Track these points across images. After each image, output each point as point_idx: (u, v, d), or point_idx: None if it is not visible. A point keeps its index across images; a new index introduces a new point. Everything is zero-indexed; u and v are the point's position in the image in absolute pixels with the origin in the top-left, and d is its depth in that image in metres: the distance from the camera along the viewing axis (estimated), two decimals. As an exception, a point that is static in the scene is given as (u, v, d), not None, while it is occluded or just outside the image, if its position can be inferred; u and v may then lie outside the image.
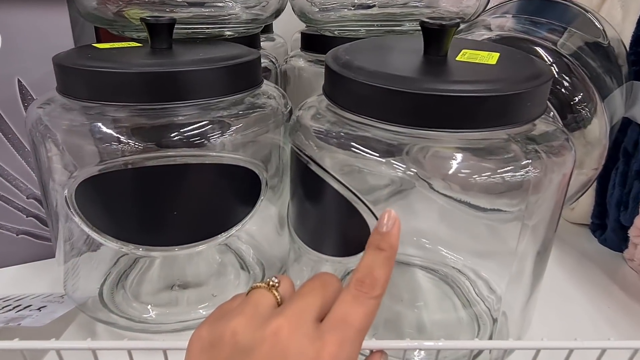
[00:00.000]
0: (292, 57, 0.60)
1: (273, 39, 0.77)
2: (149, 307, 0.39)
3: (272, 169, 0.35)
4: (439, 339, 0.27)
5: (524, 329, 0.34)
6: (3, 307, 0.35)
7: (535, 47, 0.44)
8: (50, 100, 0.33)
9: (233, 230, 0.34)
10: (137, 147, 0.30)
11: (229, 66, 0.31)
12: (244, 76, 0.33)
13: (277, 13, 0.44)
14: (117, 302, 0.39)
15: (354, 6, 0.48)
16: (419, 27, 0.43)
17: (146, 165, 0.31)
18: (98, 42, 0.48)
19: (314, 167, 0.32)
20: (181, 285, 0.41)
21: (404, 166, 0.29)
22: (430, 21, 0.29)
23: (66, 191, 0.31)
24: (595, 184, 0.48)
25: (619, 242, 0.47)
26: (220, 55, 0.32)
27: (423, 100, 0.26)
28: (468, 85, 0.25)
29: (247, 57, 0.33)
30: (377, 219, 0.29)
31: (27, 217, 0.44)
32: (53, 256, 0.46)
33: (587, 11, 0.48)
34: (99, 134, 0.31)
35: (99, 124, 0.31)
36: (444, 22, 0.29)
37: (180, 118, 0.31)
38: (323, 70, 0.57)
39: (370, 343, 0.26)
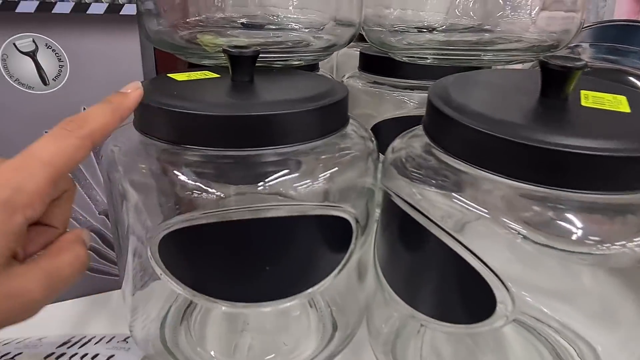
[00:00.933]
0: (349, 77, 0.57)
1: (320, 55, 0.75)
2: (213, 353, 0.36)
3: (362, 214, 0.32)
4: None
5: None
6: (72, 357, 0.32)
7: (631, 78, 0.41)
8: (128, 138, 0.31)
9: (326, 283, 0.31)
10: (221, 198, 0.28)
11: (323, 107, 0.29)
12: (336, 116, 0.31)
13: (351, 39, 0.41)
14: (181, 346, 0.37)
15: (421, 29, 0.46)
16: (503, 59, 0.41)
17: (231, 218, 0.28)
18: (156, 64, 0.46)
19: (411, 212, 0.29)
20: (248, 330, 0.38)
21: (519, 227, 0.26)
22: (552, 62, 0.26)
23: (149, 247, 0.29)
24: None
25: None
26: (311, 93, 0.30)
27: (557, 158, 0.23)
28: (611, 143, 0.23)
29: (339, 94, 0.31)
30: (497, 277, 0.26)
31: (84, 249, 0.42)
32: (108, 290, 0.44)
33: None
34: (180, 182, 0.28)
35: (181, 170, 0.28)
36: (569, 64, 0.26)
37: (266, 165, 0.29)
38: (382, 92, 0.55)
39: None
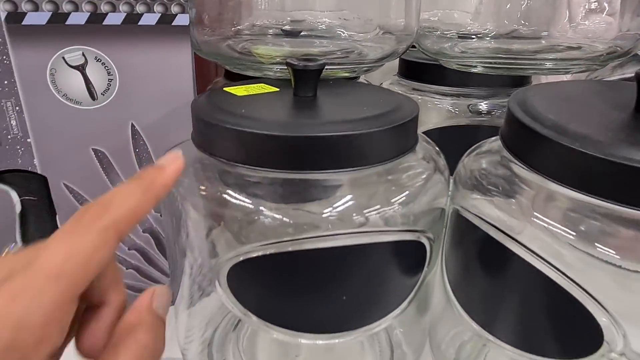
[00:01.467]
0: (389, 84, 0.55)
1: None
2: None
3: (435, 235, 0.30)
4: None
5: None
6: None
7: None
8: (189, 157, 0.29)
9: (400, 309, 0.29)
10: (287, 224, 0.26)
11: (397, 126, 0.27)
12: (408, 135, 0.29)
13: (408, 48, 0.39)
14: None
15: (470, 35, 0.44)
16: (564, 68, 0.39)
17: (301, 247, 0.26)
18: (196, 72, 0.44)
19: (492, 232, 0.27)
20: (301, 355, 0.36)
21: (610, 252, 0.24)
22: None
23: (217, 277, 0.27)
24: None
25: None
26: (381, 110, 0.28)
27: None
28: None
29: (410, 110, 0.29)
30: (601, 305, 0.24)
31: (127, 269, 0.40)
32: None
33: None
34: (242, 206, 0.26)
35: (245, 193, 0.27)
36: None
37: (338, 190, 0.27)
38: (425, 100, 0.53)
39: None
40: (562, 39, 0.40)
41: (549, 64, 0.39)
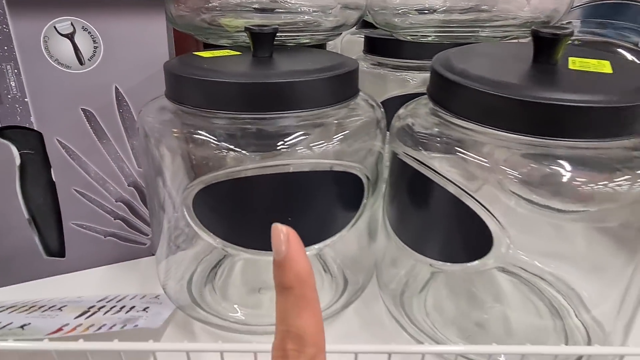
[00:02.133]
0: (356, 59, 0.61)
1: (324, 41, 0.78)
2: (237, 306, 0.40)
3: (372, 173, 0.35)
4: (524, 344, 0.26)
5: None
6: (112, 308, 0.36)
7: (618, 49, 0.44)
8: (161, 108, 0.34)
9: (342, 234, 0.34)
10: (246, 156, 0.31)
11: (337, 76, 0.32)
12: (348, 85, 0.34)
13: (358, 20, 0.45)
14: (207, 301, 0.40)
15: (422, 11, 0.49)
16: (499, 35, 0.44)
17: (255, 174, 0.31)
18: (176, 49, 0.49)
19: (419, 168, 0.32)
20: (267, 288, 0.42)
21: (515, 172, 0.29)
22: (543, 30, 0.30)
23: (184, 204, 0.33)
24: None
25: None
26: (325, 65, 0.33)
27: (548, 110, 0.26)
28: (593, 96, 0.26)
29: (350, 66, 0.34)
30: (495, 218, 0.29)
31: (114, 219, 0.45)
32: (137, 257, 0.48)
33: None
34: (209, 143, 0.32)
35: (211, 133, 0.32)
36: (558, 32, 0.29)
37: (286, 128, 0.32)
38: (387, 73, 0.58)
39: (453, 348, 0.28)
40: (499, 12, 0.45)
41: (486, 32, 0.44)
